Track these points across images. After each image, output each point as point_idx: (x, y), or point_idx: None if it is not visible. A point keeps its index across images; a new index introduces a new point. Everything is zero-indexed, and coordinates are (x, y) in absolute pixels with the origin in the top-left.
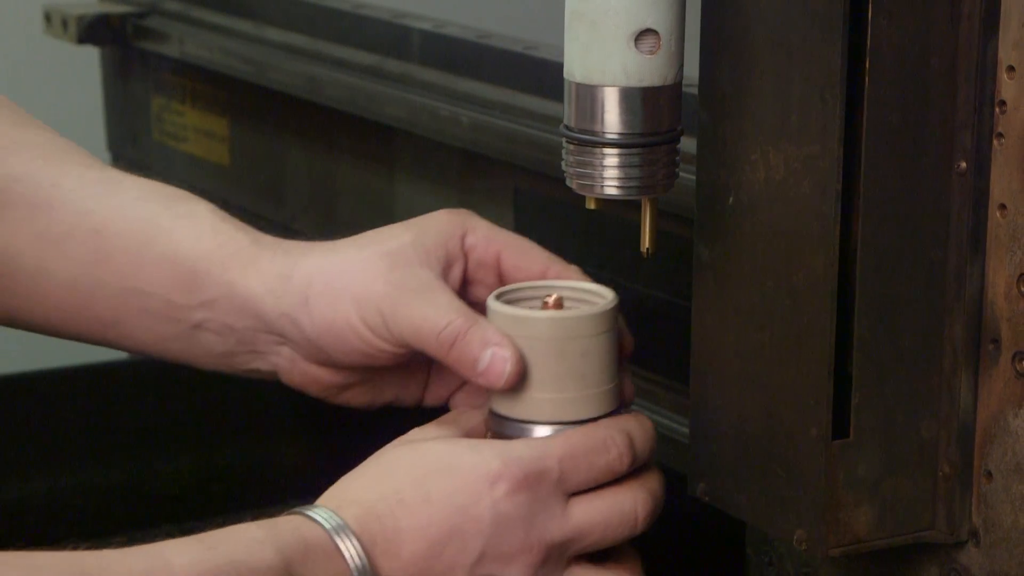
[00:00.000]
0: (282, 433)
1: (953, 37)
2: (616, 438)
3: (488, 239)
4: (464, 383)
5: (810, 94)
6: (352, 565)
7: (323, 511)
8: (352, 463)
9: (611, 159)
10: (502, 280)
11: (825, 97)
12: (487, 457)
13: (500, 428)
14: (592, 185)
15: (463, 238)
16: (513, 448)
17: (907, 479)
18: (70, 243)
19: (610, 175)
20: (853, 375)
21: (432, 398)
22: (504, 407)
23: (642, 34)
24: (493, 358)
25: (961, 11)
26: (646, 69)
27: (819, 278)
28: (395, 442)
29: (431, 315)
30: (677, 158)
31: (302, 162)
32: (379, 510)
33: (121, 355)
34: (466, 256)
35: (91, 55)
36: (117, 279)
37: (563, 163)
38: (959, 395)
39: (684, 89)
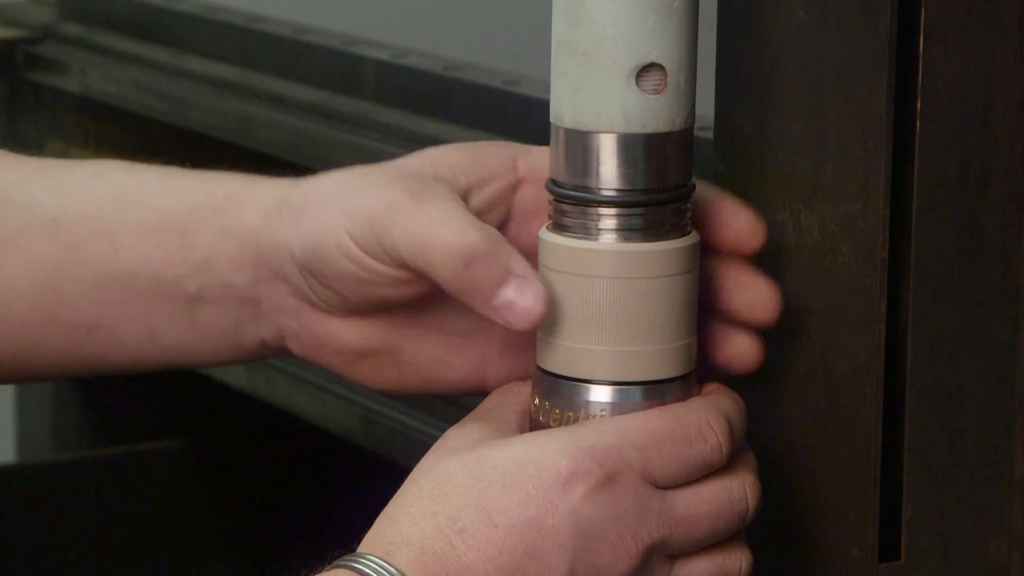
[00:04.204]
0: (204, 552)
1: (1022, 72)
2: (715, 423)
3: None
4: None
5: (849, 141)
6: None
7: (371, 560)
8: None
9: (608, 220)
10: None
11: (868, 145)
12: (551, 453)
13: (549, 388)
14: None
15: (514, 160)
16: (581, 436)
17: None
18: (26, 241)
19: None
20: (904, 483)
21: (498, 378)
22: (554, 362)
23: (645, 69)
24: (522, 292)
25: None
26: (650, 112)
27: (862, 365)
28: (434, 454)
29: (441, 229)
30: (688, 219)
31: None
32: (438, 547)
33: (6, 457)
34: (519, 182)
35: None
36: (92, 269)
37: None
38: None
39: (697, 135)
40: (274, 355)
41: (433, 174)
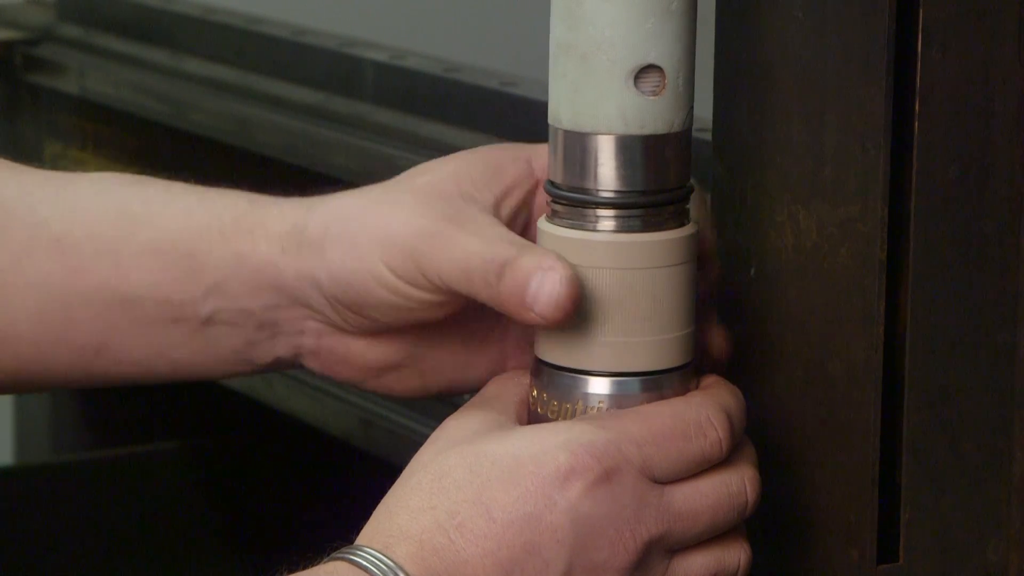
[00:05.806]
0: (203, 554)
1: (1022, 74)
2: (715, 419)
3: None
4: None
5: (848, 143)
6: None
7: (369, 553)
8: None
9: (606, 222)
10: None
11: (866, 146)
12: (549, 449)
13: (547, 380)
14: None
15: (528, 162)
16: (580, 432)
17: None
18: (30, 261)
19: None
20: (903, 485)
21: (517, 369)
22: (553, 353)
23: (643, 71)
24: (543, 281)
25: None
26: (648, 113)
27: (861, 366)
28: (433, 445)
29: (477, 248)
30: (687, 211)
31: None
32: (436, 542)
33: (5, 458)
34: (538, 184)
35: None
36: (97, 292)
37: None
38: None
39: (695, 136)
40: (287, 368)
41: (460, 194)
